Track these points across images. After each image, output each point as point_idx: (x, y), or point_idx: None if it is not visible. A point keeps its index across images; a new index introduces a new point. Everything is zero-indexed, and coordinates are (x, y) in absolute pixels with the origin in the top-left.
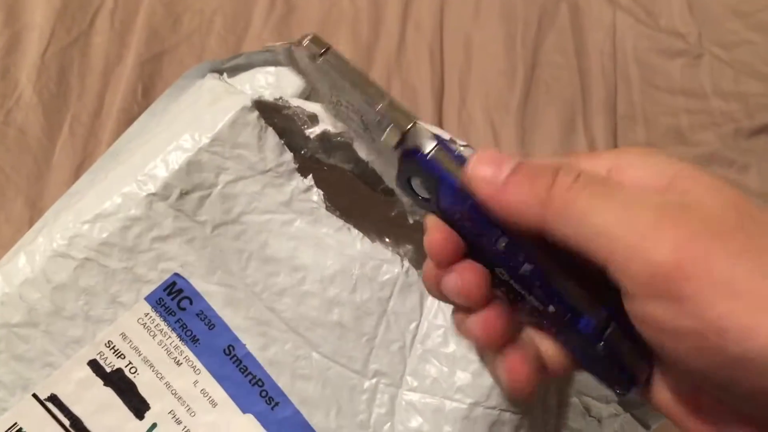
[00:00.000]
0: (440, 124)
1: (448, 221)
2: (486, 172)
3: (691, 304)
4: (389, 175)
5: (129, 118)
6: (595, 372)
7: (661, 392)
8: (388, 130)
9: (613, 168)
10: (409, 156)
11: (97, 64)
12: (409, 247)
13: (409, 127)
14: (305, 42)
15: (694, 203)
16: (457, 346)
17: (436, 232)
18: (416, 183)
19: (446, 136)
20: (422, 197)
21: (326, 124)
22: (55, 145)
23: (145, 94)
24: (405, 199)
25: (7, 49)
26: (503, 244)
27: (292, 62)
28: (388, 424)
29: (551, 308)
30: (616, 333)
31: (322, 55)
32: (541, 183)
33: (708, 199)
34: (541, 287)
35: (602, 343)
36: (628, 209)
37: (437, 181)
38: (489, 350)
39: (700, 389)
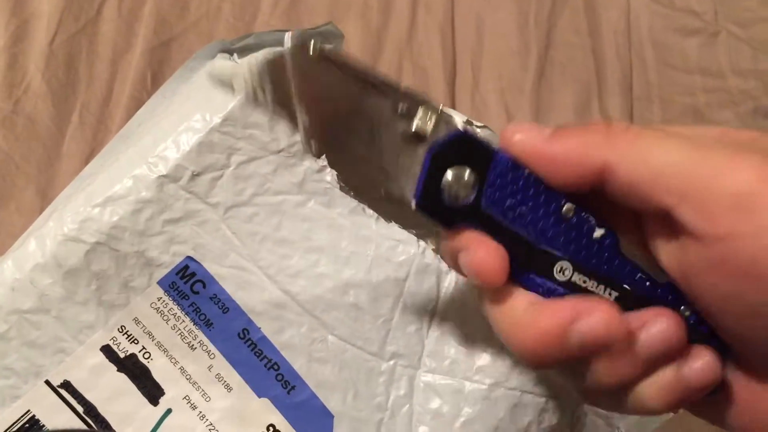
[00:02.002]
0: (453, 107)
1: (492, 226)
2: (527, 131)
3: None
4: (398, 197)
5: (138, 106)
6: None
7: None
8: (419, 114)
9: None
10: (448, 140)
11: (105, 52)
12: (425, 227)
13: (441, 108)
14: (294, 35)
15: (760, 143)
16: (476, 327)
17: (480, 247)
18: (450, 182)
19: (462, 117)
20: (453, 205)
21: None
22: (64, 133)
23: (154, 82)
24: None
25: (15, 38)
26: (571, 212)
27: (273, 73)
28: (407, 406)
29: (626, 286)
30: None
31: (316, 53)
32: (596, 128)
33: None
34: (615, 256)
35: (689, 312)
36: (698, 145)
37: (490, 156)
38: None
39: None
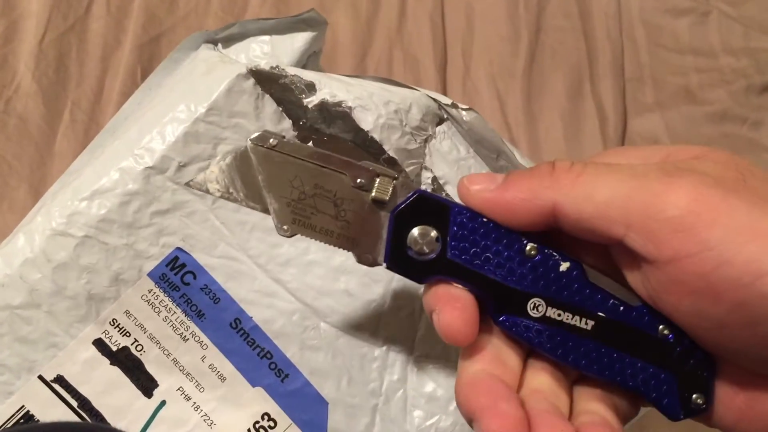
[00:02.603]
0: (445, 94)
1: (461, 274)
2: (481, 182)
3: (719, 251)
4: (371, 256)
5: None
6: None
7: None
8: (376, 184)
9: None
10: (407, 202)
11: (95, 49)
12: None
13: (397, 176)
14: (253, 137)
15: (696, 165)
16: None
17: (447, 308)
18: (415, 239)
19: (447, 100)
20: (421, 260)
21: (324, 92)
22: (56, 132)
23: (144, 78)
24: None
25: (5, 39)
26: (534, 251)
27: (240, 171)
28: (401, 390)
29: (601, 314)
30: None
31: (275, 147)
32: (542, 172)
33: (707, 162)
34: (584, 287)
35: (668, 330)
36: (637, 174)
37: (448, 210)
38: None
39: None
